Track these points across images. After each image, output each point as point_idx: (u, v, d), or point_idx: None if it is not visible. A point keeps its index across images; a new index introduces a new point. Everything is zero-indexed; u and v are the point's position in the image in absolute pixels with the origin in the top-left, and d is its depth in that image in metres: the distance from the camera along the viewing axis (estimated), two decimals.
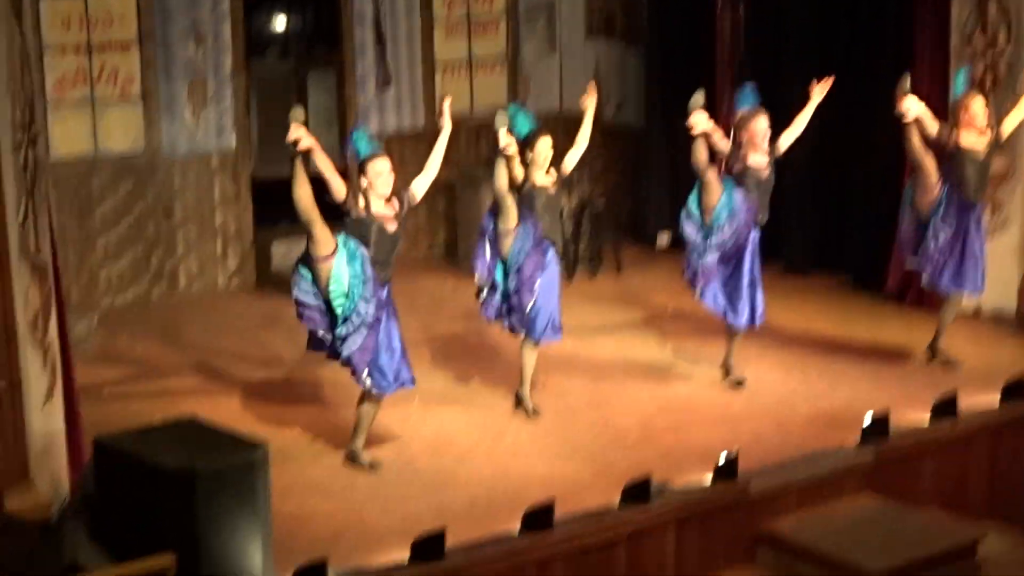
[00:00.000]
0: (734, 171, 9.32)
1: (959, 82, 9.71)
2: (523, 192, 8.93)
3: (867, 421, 8.52)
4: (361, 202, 8.15)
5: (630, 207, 13.20)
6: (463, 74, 12.87)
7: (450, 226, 12.62)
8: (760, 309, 9.41)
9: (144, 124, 11.39)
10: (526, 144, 9.00)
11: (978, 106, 9.45)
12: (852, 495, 8.31)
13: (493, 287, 9.03)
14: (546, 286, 8.95)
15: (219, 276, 11.81)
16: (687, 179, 12.56)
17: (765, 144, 9.31)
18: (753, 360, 9.82)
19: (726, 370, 9.57)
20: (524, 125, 9.07)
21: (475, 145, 12.84)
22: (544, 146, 8.98)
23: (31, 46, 7.46)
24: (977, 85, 10.49)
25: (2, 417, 7.13)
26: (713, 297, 9.38)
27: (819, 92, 9.54)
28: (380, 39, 12.28)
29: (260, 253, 11.86)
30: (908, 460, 8.57)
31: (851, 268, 11.62)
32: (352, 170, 8.29)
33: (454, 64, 12.81)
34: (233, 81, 11.72)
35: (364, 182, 8.17)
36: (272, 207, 12.01)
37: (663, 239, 12.83)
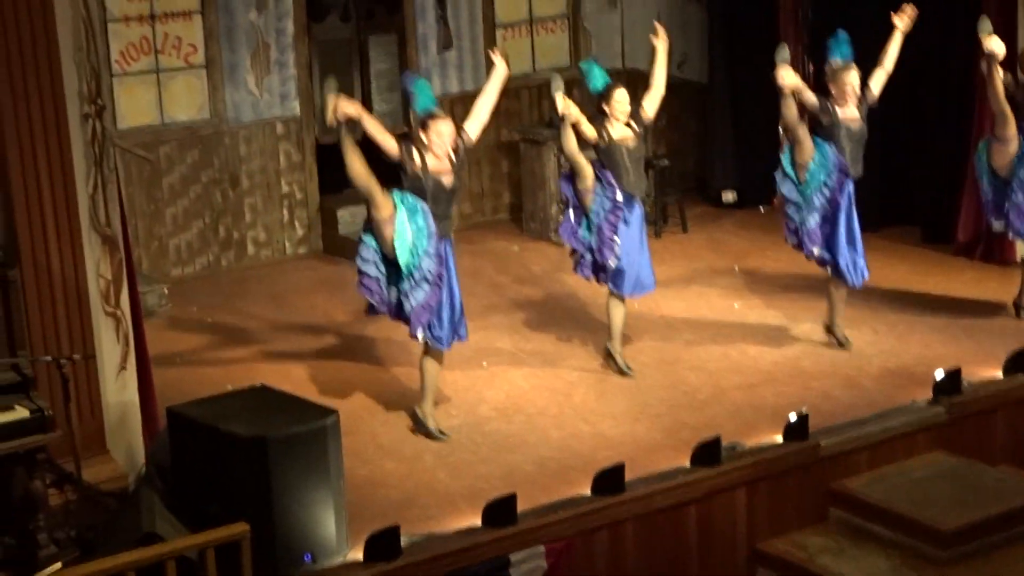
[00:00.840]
0: (825, 125, 9.16)
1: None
2: (601, 148, 8.87)
3: (938, 377, 8.44)
4: (417, 158, 8.11)
5: (694, 164, 13.12)
6: (524, 33, 12.82)
7: (514, 187, 12.60)
8: (861, 265, 9.26)
9: (208, 92, 11.45)
10: (602, 98, 8.93)
11: None
12: (924, 452, 8.25)
13: (583, 247, 8.99)
14: (629, 243, 8.90)
15: (286, 243, 11.87)
16: (752, 136, 12.60)
17: (855, 96, 9.14)
18: (821, 318, 9.74)
19: (829, 329, 9.44)
20: (599, 79, 9.01)
21: (537, 105, 12.80)
22: (621, 97, 8.89)
23: (95, 17, 7.51)
24: None
25: (78, 389, 7.22)
26: (821, 256, 9.24)
27: (902, 23, 9.31)
28: (440, 0, 12.25)
29: (326, 219, 11.90)
30: (980, 416, 8.49)
31: (920, 222, 11.49)
32: (413, 121, 8.20)
33: (515, 23, 12.75)
34: (295, 47, 11.74)
35: (424, 138, 8.13)
36: (337, 173, 12.00)
37: (728, 196, 12.74)
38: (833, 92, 9.14)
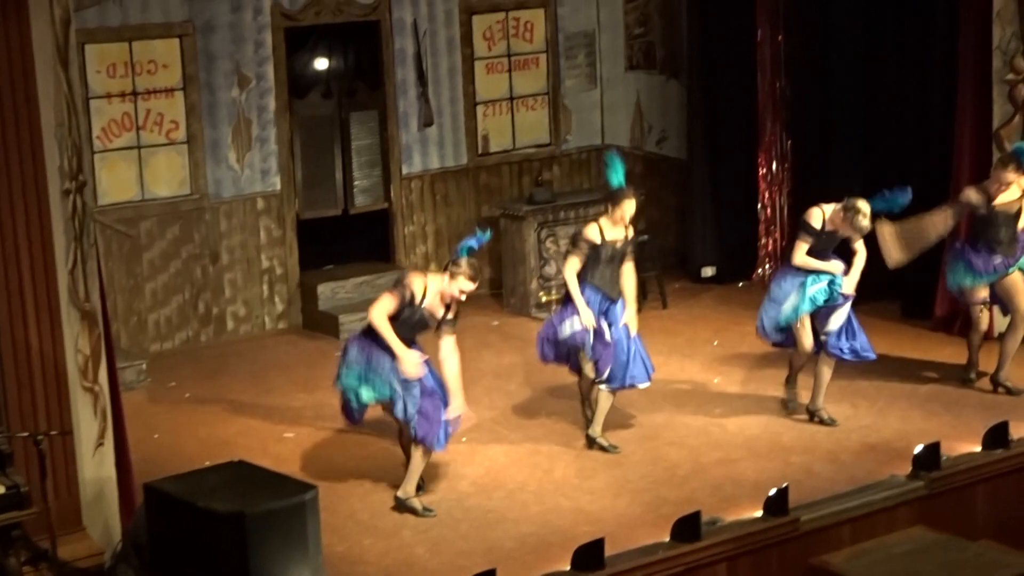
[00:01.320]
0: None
1: None
2: (596, 247, 9.01)
3: (918, 452, 8.45)
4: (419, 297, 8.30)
5: (674, 240, 13.19)
6: (504, 110, 12.91)
7: (495, 262, 12.63)
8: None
9: (189, 168, 11.49)
10: (611, 198, 9.06)
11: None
12: (904, 527, 8.23)
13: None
14: (614, 342, 8.98)
15: (266, 319, 11.87)
16: (731, 212, 12.68)
17: None
18: (802, 392, 9.75)
19: (811, 412, 9.55)
20: (618, 175, 9.10)
21: (518, 181, 12.88)
22: (629, 209, 9.05)
23: (77, 94, 7.54)
24: (1020, 108, 10.47)
25: (54, 465, 7.17)
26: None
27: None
28: (422, 78, 12.35)
29: (306, 295, 11.91)
30: (960, 490, 8.48)
31: (899, 298, 11.54)
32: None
33: (496, 100, 12.85)
34: (277, 123, 11.81)
35: (448, 286, 8.30)
36: (317, 248, 12.11)
37: (708, 271, 12.79)
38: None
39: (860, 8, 11.65)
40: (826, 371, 9.41)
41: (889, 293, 11.61)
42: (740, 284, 12.64)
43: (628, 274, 9.18)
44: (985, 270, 9.67)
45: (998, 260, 9.63)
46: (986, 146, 10.65)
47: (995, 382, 9.82)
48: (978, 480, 8.54)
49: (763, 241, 12.69)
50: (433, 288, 8.30)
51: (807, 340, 9.27)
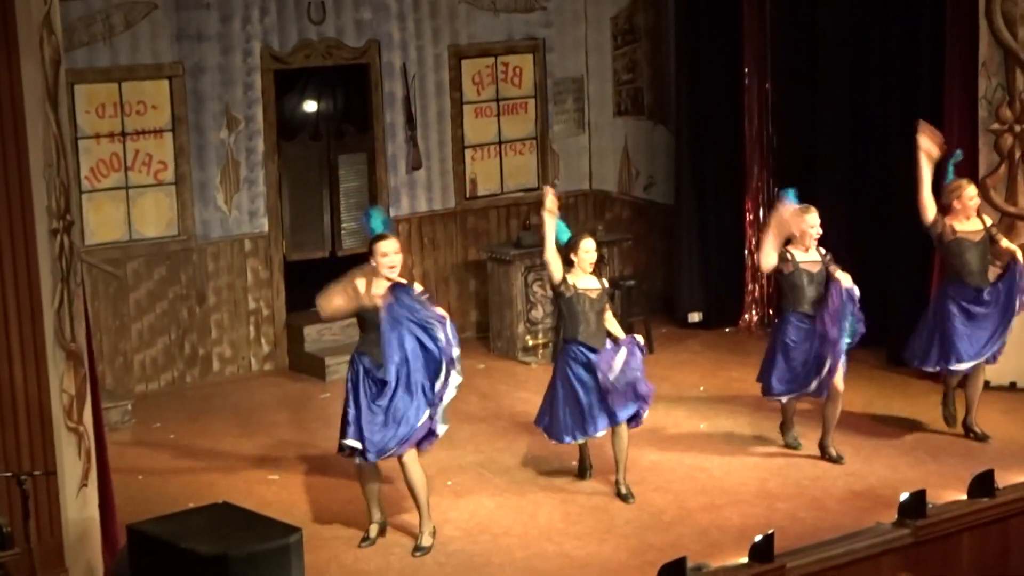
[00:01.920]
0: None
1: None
2: (564, 297, 8.91)
3: (903, 499, 8.44)
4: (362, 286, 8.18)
5: (661, 285, 13.21)
6: (493, 154, 12.95)
7: (481, 306, 12.64)
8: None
9: (177, 209, 11.49)
10: (569, 248, 8.95)
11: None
12: (890, 575, 8.21)
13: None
14: (567, 391, 8.91)
15: (252, 360, 11.85)
16: (719, 257, 12.71)
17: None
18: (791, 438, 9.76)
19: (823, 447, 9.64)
20: (564, 233, 9.00)
21: (505, 225, 12.90)
22: (588, 247, 8.93)
23: (66, 134, 7.56)
24: (1006, 158, 10.53)
25: (37, 505, 7.13)
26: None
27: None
28: (410, 121, 12.39)
29: (293, 336, 11.90)
30: (945, 539, 8.47)
31: (885, 345, 11.55)
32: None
33: (484, 144, 12.90)
34: (265, 165, 11.83)
35: (376, 267, 8.19)
36: (304, 290, 12.08)
37: (695, 317, 12.80)
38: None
39: (847, 57, 11.72)
40: (833, 410, 9.46)
41: (875, 340, 11.63)
42: (727, 330, 12.66)
43: (611, 321, 9.13)
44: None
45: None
46: None
47: (966, 427, 9.86)
48: (963, 528, 8.53)
49: (750, 287, 12.72)
50: (371, 279, 8.21)
51: None
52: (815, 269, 9.45)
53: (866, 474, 9.30)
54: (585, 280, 8.95)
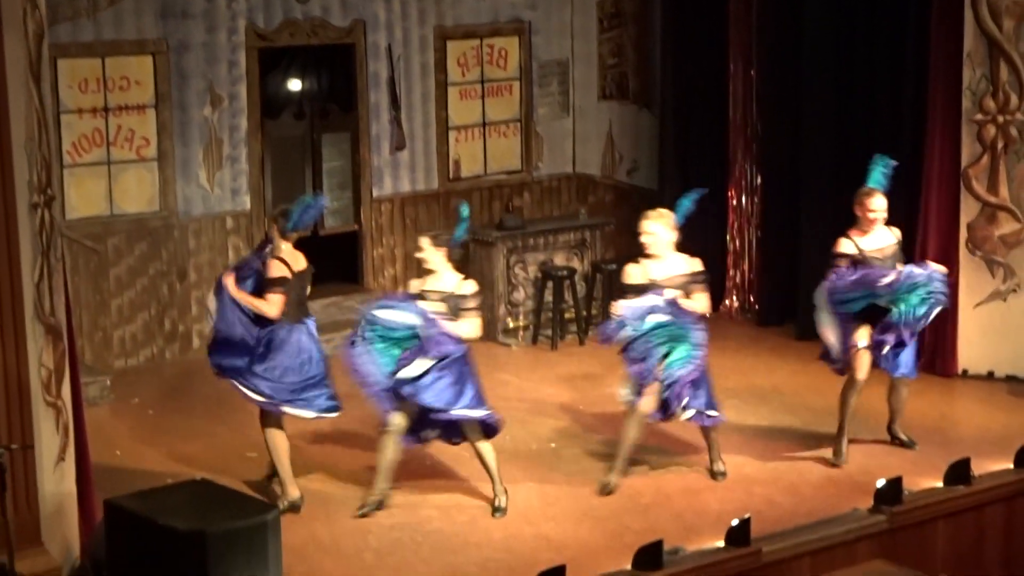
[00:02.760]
0: None
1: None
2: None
3: (880, 486, 8.48)
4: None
5: None
6: (477, 136, 12.94)
7: None
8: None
9: (159, 185, 11.47)
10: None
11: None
12: (865, 561, 8.24)
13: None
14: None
15: None
16: (700, 243, 12.68)
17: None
18: (765, 424, 9.79)
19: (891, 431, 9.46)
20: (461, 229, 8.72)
21: (488, 207, 12.90)
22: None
23: (48, 108, 7.52)
24: (988, 148, 10.56)
25: (14, 479, 7.12)
26: None
27: None
28: (395, 102, 12.37)
29: None
30: (921, 526, 8.51)
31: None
32: None
33: (468, 126, 12.89)
34: (248, 143, 11.81)
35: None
36: None
37: None
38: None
39: (831, 45, 11.74)
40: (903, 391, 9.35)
41: None
42: (707, 315, 12.65)
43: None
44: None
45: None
46: (954, 185, 10.75)
47: (891, 434, 9.59)
48: (939, 515, 8.57)
49: (731, 273, 12.74)
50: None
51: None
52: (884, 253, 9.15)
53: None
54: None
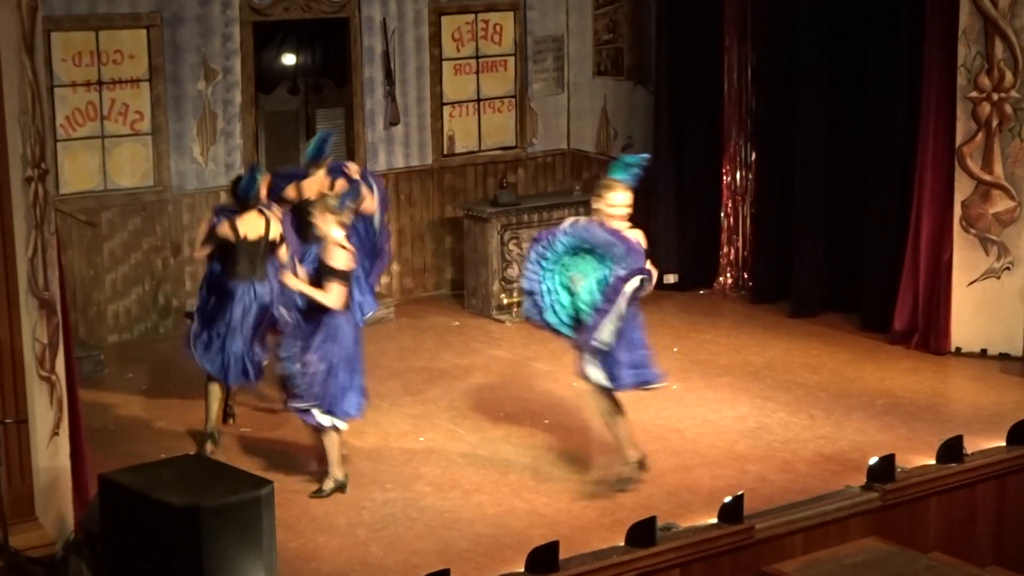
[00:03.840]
0: None
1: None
2: None
3: (873, 464, 8.50)
4: None
5: None
6: (471, 112, 12.92)
7: (457, 263, 12.64)
8: None
9: (153, 160, 11.44)
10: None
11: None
12: (857, 538, 8.28)
13: None
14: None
15: None
16: (695, 219, 12.72)
17: None
18: (758, 401, 9.80)
19: None
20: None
21: (482, 182, 12.89)
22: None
23: (42, 82, 7.49)
24: (983, 126, 10.55)
25: (8, 453, 7.13)
26: None
27: None
28: (389, 77, 12.34)
29: None
30: (913, 503, 8.54)
31: (858, 310, 11.61)
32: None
33: (463, 102, 12.86)
34: (242, 118, 11.77)
35: None
36: None
37: (670, 278, 12.81)
38: None
39: (826, 23, 11.71)
40: None
41: (847, 305, 11.70)
42: (701, 292, 12.69)
43: None
44: None
45: None
46: (948, 162, 10.75)
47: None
48: (931, 493, 8.60)
49: (725, 250, 12.74)
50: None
51: None
52: None
53: (836, 438, 9.35)
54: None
